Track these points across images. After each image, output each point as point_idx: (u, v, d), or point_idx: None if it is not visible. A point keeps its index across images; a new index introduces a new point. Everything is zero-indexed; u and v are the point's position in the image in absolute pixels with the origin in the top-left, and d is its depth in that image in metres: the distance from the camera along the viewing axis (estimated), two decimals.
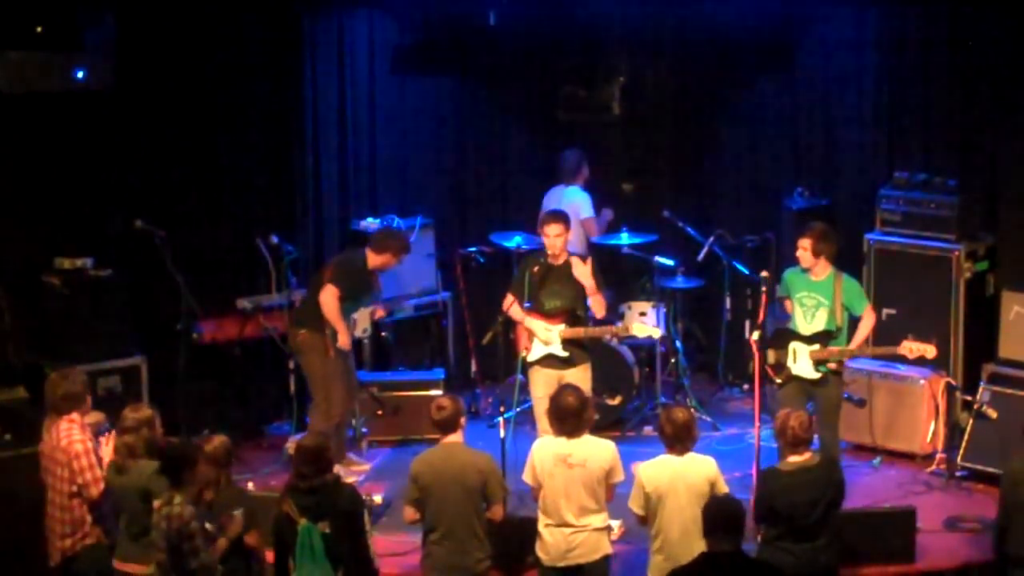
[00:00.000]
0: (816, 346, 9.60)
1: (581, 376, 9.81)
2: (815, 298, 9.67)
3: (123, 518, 8.06)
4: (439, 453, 8.23)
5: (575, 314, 9.94)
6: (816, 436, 8.66)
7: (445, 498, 8.06)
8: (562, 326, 9.87)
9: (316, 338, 10.32)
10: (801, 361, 9.64)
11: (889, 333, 11.04)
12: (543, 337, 9.84)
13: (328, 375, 10.37)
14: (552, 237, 9.86)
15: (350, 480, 9.42)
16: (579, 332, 9.91)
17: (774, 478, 8.17)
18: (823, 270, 9.68)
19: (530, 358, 9.93)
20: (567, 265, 9.93)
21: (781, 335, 9.77)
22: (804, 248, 9.67)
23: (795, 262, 9.82)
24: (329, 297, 10.22)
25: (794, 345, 9.68)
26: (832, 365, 9.64)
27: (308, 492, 7.72)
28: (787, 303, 9.92)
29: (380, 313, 11.15)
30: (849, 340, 9.70)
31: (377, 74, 12.19)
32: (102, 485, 8.20)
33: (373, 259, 10.49)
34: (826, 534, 8.12)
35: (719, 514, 7.27)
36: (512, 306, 9.95)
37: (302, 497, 7.71)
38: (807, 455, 8.20)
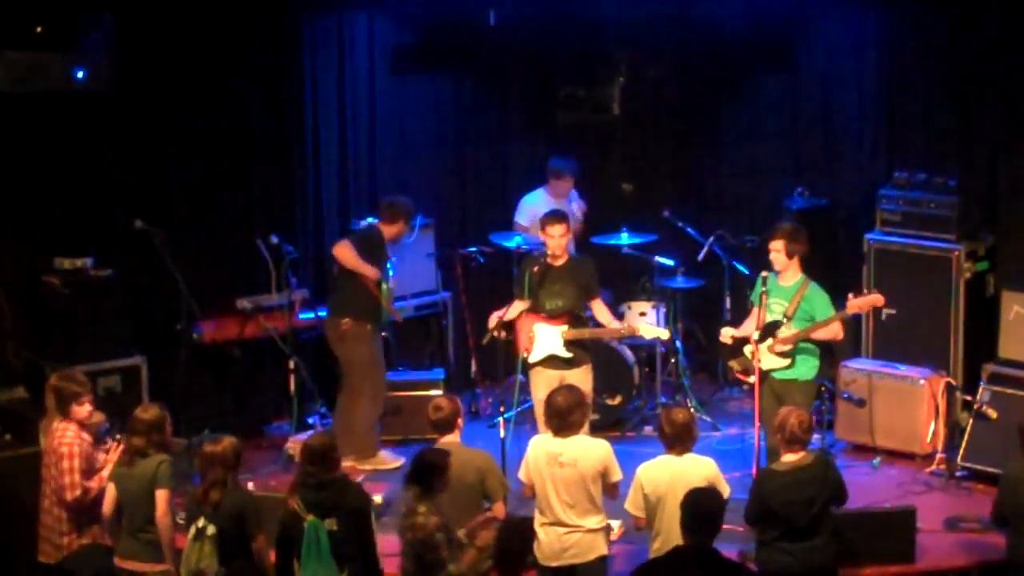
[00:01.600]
0: (769, 340, 9.54)
1: (583, 377, 9.81)
2: (782, 304, 9.60)
3: (125, 514, 8.05)
4: None
5: (576, 315, 9.93)
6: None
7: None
8: (565, 327, 9.87)
9: (360, 326, 10.53)
10: (765, 359, 9.58)
11: (889, 333, 11.08)
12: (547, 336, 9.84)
13: (373, 361, 10.62)
14: (557, 237, 9.86)
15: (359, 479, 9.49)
16: (583, 333, 9.90)
17: (769, 478, 8.17)
18: (793, 275, 9.60)
19: (532, 359, 9.93)
20: (567, 265, 9.93)
21: (739, 343, 9.71)
22: (776, 250, 9.57)
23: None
24: (344, 250, 10.49)
25: (751, 348, 9.57)
26: (788, 347, 9.50)
27: (316, 488, 7.72)
28: (754, 312, 9.74)
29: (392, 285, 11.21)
30: (816, 356, 9.63)
31: (377, 74, 12.19)
32: (78, 492, 8.20)
33: (387, 231, 10.72)
34: (823, 533, 8.12)
35: (694, 508, 7.26)
36: (512, 308, 9.96)
37: (310, 493, 7.71)
38: (802, 454, 8.20)
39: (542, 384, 9.85)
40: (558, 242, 9.86)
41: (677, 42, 12.50)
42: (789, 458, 8.18)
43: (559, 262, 9.93)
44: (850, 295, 9.57)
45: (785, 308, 9.54)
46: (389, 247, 10.83)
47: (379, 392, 10.72)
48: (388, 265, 10.80)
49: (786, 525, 8.04)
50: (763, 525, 8.13)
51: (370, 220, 11.72)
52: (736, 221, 12.24)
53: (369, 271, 10.56)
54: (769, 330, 9.56)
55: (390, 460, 10.76)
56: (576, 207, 12.05)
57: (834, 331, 9.60)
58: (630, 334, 10.16)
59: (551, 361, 9.89)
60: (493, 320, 10.01)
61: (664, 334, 10.32)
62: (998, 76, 10.89)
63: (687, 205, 12.43)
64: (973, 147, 11.21)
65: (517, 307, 10.00)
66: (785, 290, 9.59)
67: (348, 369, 10.76)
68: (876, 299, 9.61)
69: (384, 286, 10.68)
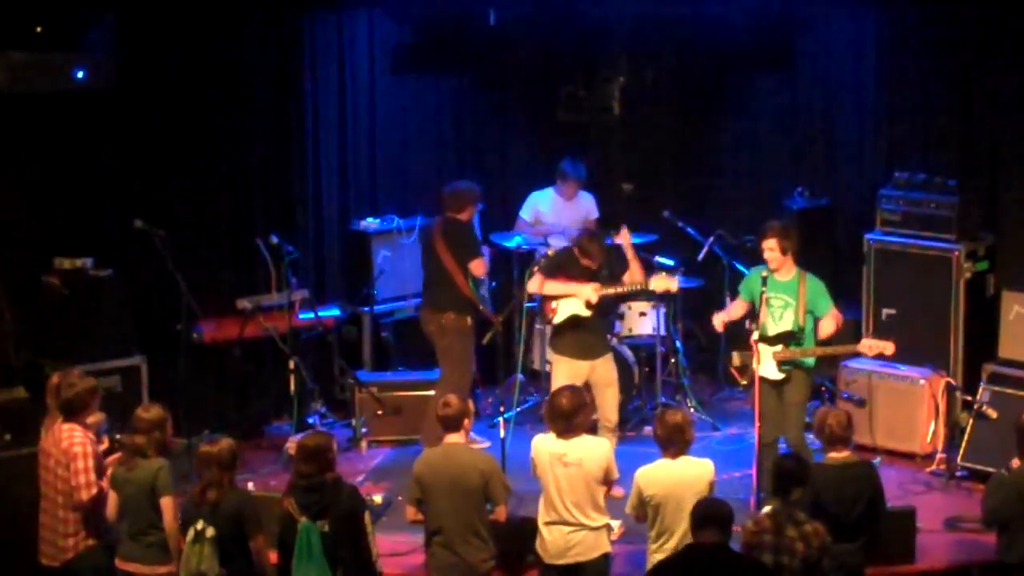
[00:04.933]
0: (779, 347, 9.56)
1: (607, 366, 10.12)
2: (781, 298, 9.61)
3: (126, 518, 8.05)
4: (440, 453, 8.24)
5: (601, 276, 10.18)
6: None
7: (446, 499, 8.07)
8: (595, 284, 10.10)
9: (462, 321, 10.68)
10: (765, 362, 9.57)
11: (889, 333, 11.04)
12: (583, 295, 10.07)
13: (467, 355, 10.76)
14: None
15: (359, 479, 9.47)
16: (610, 290, 10.09)
17: (820, 472, 8.15)
18: (788, 270, 9.63)
19: (556, 320, 10.11)
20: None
21: (745, 338, 9.74)
22: (771, 248, 9.59)
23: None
24: (481, 267, 10.75)
25: (759, 347, 9.59)
26: (785, 357, 9.59)
27: (308, 490, 7.72)
28: (737, 303, 9.88)
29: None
30: (814, 340, 9.67)
31: (377, 74, 12.21)
32: (94, 491, 8.16)
33: (463, 216, 10.86)
34: (861, 537, 8.13)
35: (705, 509, 7.27)
36: (534, 279, 10.28)
37: (303, 495, 7.72)
38: (846, 453, 8.29)
39: (563, 373, 10.04)
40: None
41: (677, 42, 12.49)
42: (835, 455, 8.26)
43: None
44: (868, 334, 9.69)
45: (789, 304, 9.55)
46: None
47: (466, 385, 10.77)
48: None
49: (833, 522, 7.92)
50: None
51: (370, 220, 11.84)
52: (736, 221, 12.23)
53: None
54: (784, 339, 9.56)
55: (477, 440, 10.67)
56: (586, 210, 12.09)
57: (835, 327, 9.65)
58: (641, 286, 10.28)
59: (579, 352, 10.06)
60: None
61: (673, 285, 10.35)
62: (998, 76, 10.89)
63: (687, 205, 12.42)
64: (973, 147, 11.21)
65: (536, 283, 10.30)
66: (783, 285, 9.61)
67: (442, 360, 10.84)
68: (888, 347, 9.65)
69: (470, 281, 10.81)
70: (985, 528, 8.66)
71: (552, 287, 10.20)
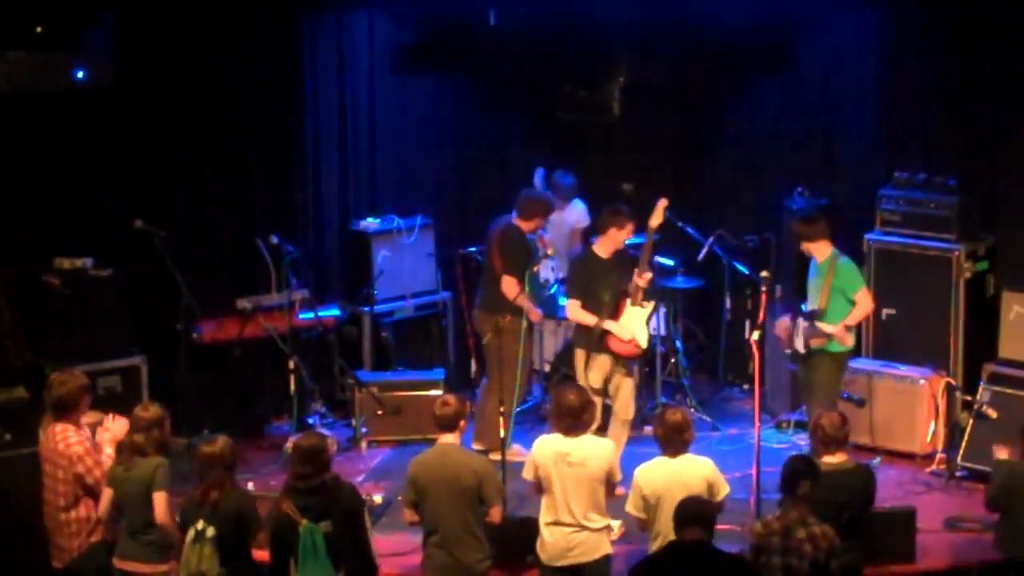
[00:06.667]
0: (807, 323, 9.92)
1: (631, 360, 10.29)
2: (816, 281, 9.99)
3: (125, 516, 8.04)
4: (434, 454, 8.22)
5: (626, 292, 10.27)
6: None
7: (441, 500, 8.05)
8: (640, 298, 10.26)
9: (517, 323, 10.59)
10: (798, 338, 10.00)
11: (889, 333, 11.08)
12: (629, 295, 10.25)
13: (519, 358, 10.64)
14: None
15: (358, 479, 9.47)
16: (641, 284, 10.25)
17: None
18: (822, 253, 9.97)
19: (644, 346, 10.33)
20: (615, 256, 10.29)
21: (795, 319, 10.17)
22: (795, 238, 10.11)
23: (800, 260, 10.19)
24: (511, 288, 10.57)
25: (798, 321, 10.08)
26: (816, 342, 9.93)
27: (309, 492, 7.71)
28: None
29: (543, 243, 11.24)
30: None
31: (377, 74, 12.21)
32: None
33: (525, 226, 10.81)
34: (856, 535, 8.12)
35: (689, 508, 7.32)
36: (571, 308, 10.30)
37: (303, 498, 7.70)
38: (842, 457, 8.26)
39: (596, 369, 10.21)
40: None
41: (677, 42, 12.47)
42: (828, 459, 8.23)
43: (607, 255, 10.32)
44: None
45: (819, 286, 9.88)
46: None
47: (522, 387, 10.76)
48: (535, 253, 10.98)
49: None
50: None
51: (370, 220, 11.84)
52: (736, 221, 12.24)
53: (531, 311, 10.71)
54: (808, 317, 9.96)
55: (522, 453, 10.43)
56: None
57: (864, 310, 10.02)
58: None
59: (602, 345, 10.21)
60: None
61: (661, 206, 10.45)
62: (998, 76, 10.89)
63: (687, 205, 12.41)
64: (973, 147, 11.21)
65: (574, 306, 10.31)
66: (818, 267, 9.97)
67: (496, 361, 10.75)
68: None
69: (527, 284, 10.78)
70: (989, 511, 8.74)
71: (583, 315, 10.25)
